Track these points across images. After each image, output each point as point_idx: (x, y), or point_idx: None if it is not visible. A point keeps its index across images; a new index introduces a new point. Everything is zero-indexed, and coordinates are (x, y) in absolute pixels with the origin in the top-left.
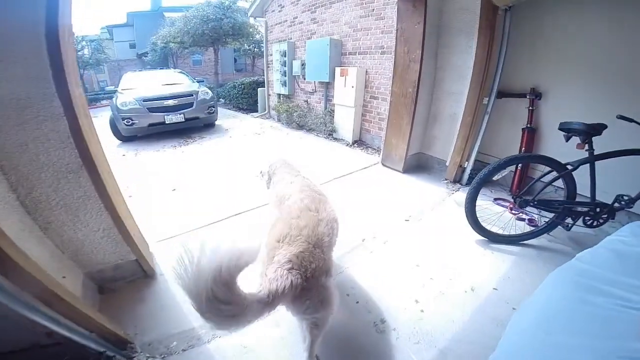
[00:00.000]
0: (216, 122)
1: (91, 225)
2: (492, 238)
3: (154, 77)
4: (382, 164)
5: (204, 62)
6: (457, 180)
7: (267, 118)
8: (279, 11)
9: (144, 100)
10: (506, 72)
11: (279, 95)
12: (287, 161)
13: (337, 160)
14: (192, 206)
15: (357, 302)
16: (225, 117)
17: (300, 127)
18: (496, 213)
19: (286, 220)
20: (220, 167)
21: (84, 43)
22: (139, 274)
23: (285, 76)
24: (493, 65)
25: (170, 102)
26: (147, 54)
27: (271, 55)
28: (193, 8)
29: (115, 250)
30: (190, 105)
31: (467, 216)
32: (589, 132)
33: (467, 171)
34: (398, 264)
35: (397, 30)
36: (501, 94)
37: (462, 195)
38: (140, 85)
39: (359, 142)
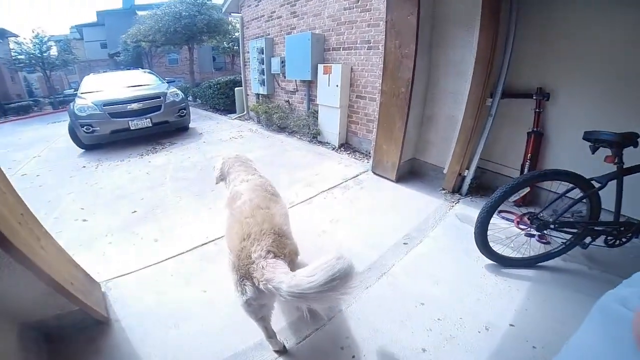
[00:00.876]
0: (190, 125)
1: (6, 280)
2: (504, 262)
3: (119, 78)
4: (373, 172)
5: (180, 61)
6: (456, 190)
7: (246, 119)
8: (256, 5)
9: (105, 105)
10: (510, 69)
11: (257, 95)
12: (242, 158)
13: (322, 168)
14: (156, 231)
15: (353, 357)
16: (201, 119)
17: (281, 129)
18: (502, 229)
19: (241, 221)
20: (192, 181)
21: (51, 43)
22: (89, 322)
23: (264, 75)
24: (498, 61)
25: (135, 106)
26: (120, 53)
27: (248, 52)
28: (164, 5)
29: (49, 302)
30: (158, 108)
31: (476, 241)
32: (622, 143)
33: (468, 180)
34: (400, 303)
35: (386, 22)
36: (504, 94)
37: (463, 208)
38: (103, 88)
39: (346, 145)
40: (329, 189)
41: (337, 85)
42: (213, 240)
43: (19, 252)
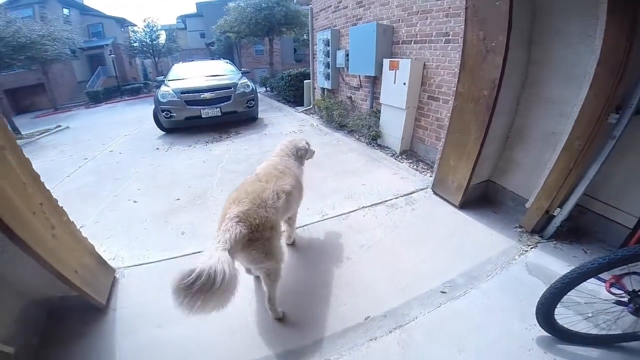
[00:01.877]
0: (259, 116)
1: (17, 263)
2: (572, 339)
3: (202, 68)
4: (433, 191)
5: (265, 52)
6: (537, 231)
7: (311, 113)
8: None
9: (182, 93)
10: None
11: (323, 89)
12: (293, 142)
13: (373, 177)
14: (187, 224)
15: None
16: (271, 110)
17: (341, 127)
18: (584, 291)
19: (240, 188)
20: (240, 173)
21: (160, 32)
22: (88, 306)
23: (329, 68)
24: (635, 64)
25: (207, 95)
26: (214, 43)
27: (316, 45)
28: None
29: (53, 285)
30: (228, 98)
31: (539, 321)
32: None
33: (557, 221)
34: None
35: (466, 7)
36: (638, 111)
37: (539, 256)
38: (187, 76)
39: (409, 153)
40: (371, 205)
41: (404, 83)
42: None
43: (22, 243)
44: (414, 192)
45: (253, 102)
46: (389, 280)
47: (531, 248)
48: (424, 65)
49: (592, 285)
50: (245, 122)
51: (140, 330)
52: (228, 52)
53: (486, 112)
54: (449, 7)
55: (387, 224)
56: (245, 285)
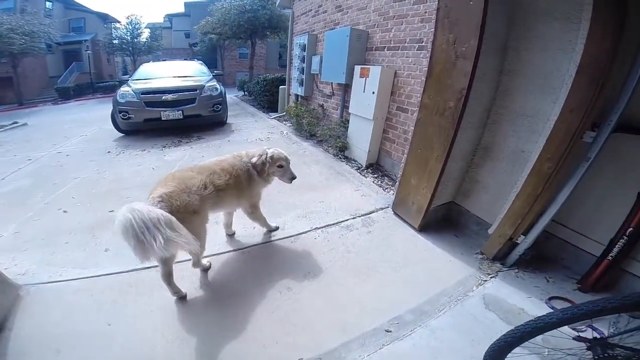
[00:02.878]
0: (228, 121)
1: None
2: None
3: (170, 68)
4: (394, 211)
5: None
6: (498, 258)
7: (284, 121)
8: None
9: (142, 94)
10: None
11: (296, 95)
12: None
13: (333, 193)
14: (113, 240)
15: None
16: (243, 115)
17: (311, 136)
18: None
19: (169, 174)
20: None
21: (143, 30)
22: None
23: (303, 74)
24: (618, 76)
25: (169, 97)
26: (197, 44)
27: (293, 49)
28: None
29: None
30: (192, 101)
31: None
32: None
33: (521, 249)
34: None
35: (438, 8)
36: (618, 128)
37: (498, 287)
38: (153, 77)
39: (375, 166)
40: (325, 226)
41: (373, 92)
42: (156, 266)
43: None
44: (373, 211)
45: (220, 106)
46: (331, 316)
47: (491, 277)
48: (395, 73)
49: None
50: (211, 126)
51: (34, 353)
52: (211, 53)
53: (451, 127)
54: (425, 12)
55: (339, 248)
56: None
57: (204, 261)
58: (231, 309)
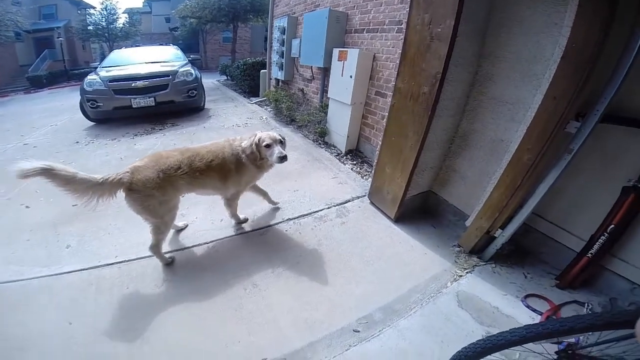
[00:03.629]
0: (207, 106)
1: None
2: None
3: (143, 54)
4: (370, 200)
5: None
6: (475, 252)
7: (265, 105)
8: None
9: (110, 81)
10: (628, 78)
11: (277, 80)
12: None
13: (310, 180)
14: (76, 235)
15: None
16: (223, 100)
17: (291, 121)
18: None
19: (159, 151)
20: None
21: (120, 15)
22: None
23: (283, 58)
24: (605, 62)
25: (140, 84)
26: (178, 28)
27: (274, 33)
28: None
29: None
30: (165, 87)
31: None
32: None
33: (498, 244)
34: None
35: None
36: (604, 118)
37: (473, 282)
38: (124, 63)
39: (355, 153)
40: (298, 217)
41: (350, 76)
42: (119, 263)
43: None
44: (348, 200)
45: (195, 92)
46: (298, 314)
47: (467, 272)
48: (374, 57)
49: (528, 316)
50: (187, 112)
51: (1, 354)
52: (193, 38)
53: (425, 113)
54: None
55: (311, 241)
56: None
57: (166, 255)
58: (193, 306)
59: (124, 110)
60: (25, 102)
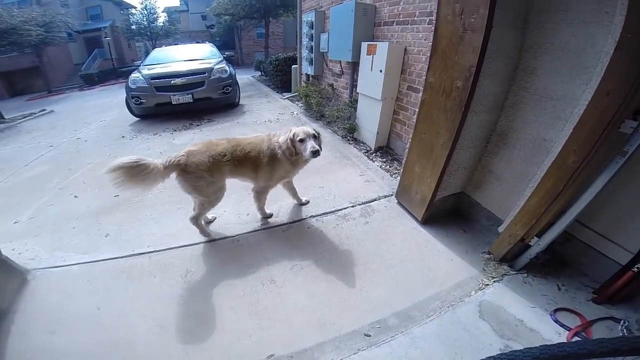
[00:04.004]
0: (241, 102)
1: None
2: None
3: (180, 52)
4: (397, 200)
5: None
6: (507, 260)
7: (296, 101)
8: None
9: (152, 79)
10: None
11: (307, 75)
12: (301, 131)
13: (336, 177)
14: (115, 225)
15: None
16: (257, 96)
17: (321, 117)
18: (543, 340)
19: (209, 140)
20: None
21: (159, 14)
22: None
23: (312, 53)
24: None
25: (178, 81)
26: (214, 26)
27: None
28: None
29: None
30: (202, 84)
31: None
32: None
33: (532, 252)
34: None
35: None
36: None
37: (501, 293)
38: (163, 61)
39: (385, 150)
40: (321, 215)
41: (380, 71)
42: (150, 252)
43: None
44: (375, 199)
45: (230, 88)
46: (310, 313)
47: (495, 281)
48: (405, 50)
49: (555, 332)
50: (223, 108)
51: (33, 335)
52: (228, 34)
53: (459, 109)
54: None
55: (332, 239)
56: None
57: (207, 227)
58: (212, 299)
59: (164, 106)
60: (79, 99)
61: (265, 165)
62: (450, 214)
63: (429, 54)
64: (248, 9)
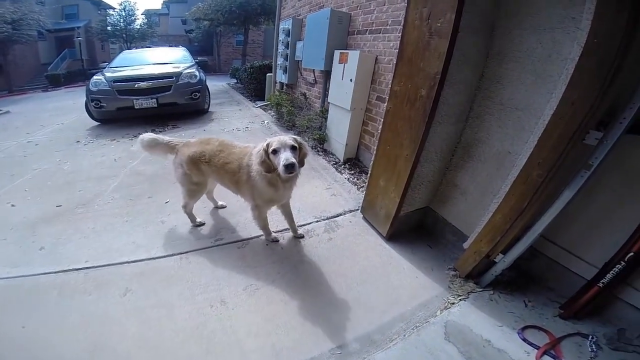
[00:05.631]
0: (211, 109)
1: None
2: None
3: (150, 55)
4: (362, 215)
5: (247, 43)
6: (472, 276)
7: (268, 110)
8: None
9: (114, 82)
10: None
11: (281, 83)
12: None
13: (302, 191)
14: (53, 237)
15: None
16: (229, 104)
17: (292, 126)
18: None
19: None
20: (145, 179)
21: (138, 16)
22: None
23: (287, 61)
24: (637, 55)
25: (143, 85)
26: (193, 31)
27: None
28: None
29: None
30: (168, 89)
31: None
32: None
33: (498, 269)
34: None
35: None
36: (632, 128)
37: (467, 311)
38: (131, 64)
39: (354, 162)
40: (282, 231)
41: (350, 80)
42: (87, 268)
43: None
44: (340, 214)
45: (199, 94)
46: (265, 338)
47: (460, 299)
48: (376, 59)
49: (524, 351)
50: (190, 115)
51: None
52: (207, 40)
53: (422, 119)
54: None
55: (292, 258)
56: None
57: (197, 220)
58: (152, 320)
59: (126, 111)
60: (41, 100)
61: (244, 182)
62: (416, 229)
63: None
64: (228, 15)
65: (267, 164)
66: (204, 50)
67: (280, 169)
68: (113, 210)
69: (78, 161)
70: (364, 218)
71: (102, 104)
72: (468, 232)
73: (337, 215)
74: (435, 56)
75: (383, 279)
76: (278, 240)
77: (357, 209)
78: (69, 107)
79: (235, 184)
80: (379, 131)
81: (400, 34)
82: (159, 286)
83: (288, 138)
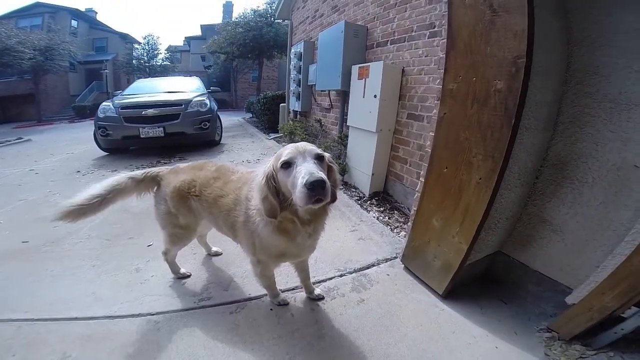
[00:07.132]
0: (223, 141)
1: None
2: None
3: (163, 83)
4: (403, 265)
5: (261, 78)
6: (578, 337)
7: (283, 141)
8: (303, 7)
9: (122, 108)
10: None
11: (294, 112)
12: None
13: (325, 232)
14: (4, 279)
15: None
16: (242, 136)
17: None
18: None
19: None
20: (128, 218)
21: (161, 51)
22: None
23: (300, 86)
24: None
25: (150, 112)
26: (211, 66)
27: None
28: (239, 16)
29: None
30: (176, 117)
31: None
32: None
33: (628, 327)
34: None
35: None
36: None
37: None
38: (143, 92)
39: (382, 196)
40: (292, 289)
41: (375, 96)
42: (23, 320)
43: None
44: (372, 265)
45: (208, 124)
46: None
47: None
48: (403, 70)
49: None
50: (200, 146)
51: None
52: (225, 76)
53: (505, 123)
54: None
55: (308, 329)
56: None
57: (181, 270)
58: None
59: (132, 140)
60: (64, 130)
61: (241, 224)
62: (479, 280)
63: (433, 73)
64: (242, 47)
65: (272, 203)
66: (221, 86)
67: (299, 191)
68: (82, 252)
69: (70, 193)
70: (406, 269)
71: (108, 132)
72: (567, 282)
73: (369, 267)
74: (510, 36)
75: (446, 355)
76: (287, 303)
77: (395, 257)
78: (86, 137)
79: (230, 227)
80: (418, 157)
81: (430, 39)
82: (105, 359)
83: (308, 144)
